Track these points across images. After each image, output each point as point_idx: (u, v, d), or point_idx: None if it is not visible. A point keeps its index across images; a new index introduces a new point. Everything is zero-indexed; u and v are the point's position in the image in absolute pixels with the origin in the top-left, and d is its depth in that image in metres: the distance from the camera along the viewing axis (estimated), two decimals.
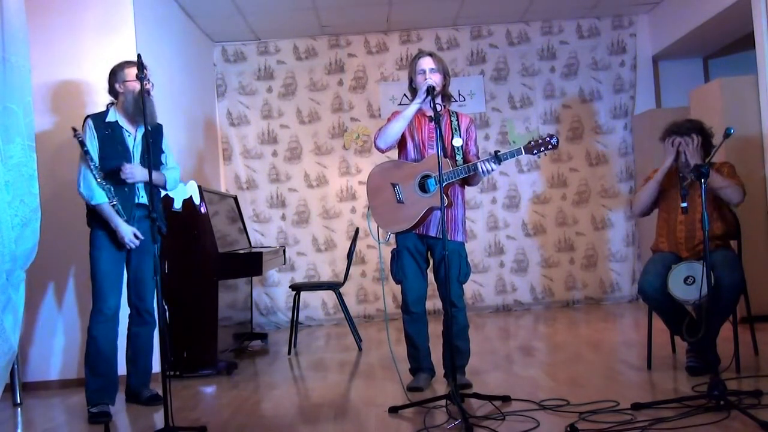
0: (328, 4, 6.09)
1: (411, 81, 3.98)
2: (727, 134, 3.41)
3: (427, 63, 3.89)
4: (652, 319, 4.10)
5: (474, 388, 3.80)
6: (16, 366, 4.24)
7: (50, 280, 4.64)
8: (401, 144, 3.97)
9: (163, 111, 5.24)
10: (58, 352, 4.66)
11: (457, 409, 3.17)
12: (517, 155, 3.76)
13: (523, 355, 4.83)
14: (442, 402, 3.44)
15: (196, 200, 4.75)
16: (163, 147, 4.06)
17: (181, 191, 4.73)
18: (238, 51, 6.98)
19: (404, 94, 6.85)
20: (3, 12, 3.37)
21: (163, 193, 4.62)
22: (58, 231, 4.42)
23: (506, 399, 3.51)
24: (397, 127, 3.86)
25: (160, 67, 5.21)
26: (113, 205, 3.74)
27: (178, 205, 4.70)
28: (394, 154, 4.14)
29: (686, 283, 3.77)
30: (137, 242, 3.80)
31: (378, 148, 3.94)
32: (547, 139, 3.74)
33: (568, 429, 2.95)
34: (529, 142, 3.76)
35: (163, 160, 4.05)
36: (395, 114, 3.92)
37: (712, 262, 3.48)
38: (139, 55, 3.49)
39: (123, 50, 4.56)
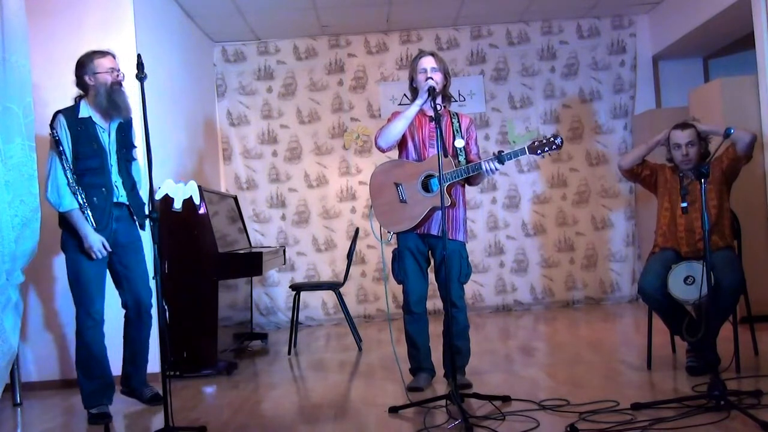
0: (328, 4, 6.09)
1: (412, 80, 3.99)
2: (727, 134, 3.41)
3: (428, 62, 3.89)
4: (652, 319, 4.10)
5: (474, 388, 3.80)
6: (16, 366, 4.23)
7: (49, 280, 4.64)
8: (402, 144, 3.98)
9: (163, 111, 5.25)
10: (58, 352, 4.66)
11: (457, 409, 3.17)
12: (521, 155, 3.75)
13: (523, 355, 4.83)
14: (442, 402, 3.44)
15: (196, 200, 4.74)
16: (134, 140, 3.95)
17: (181, 191, 4.73)
18: (238, 51, 6.98)
19: (404, 94, 6.86)
20: (3, 12, 3.37)
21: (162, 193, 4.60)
22: (57, 231, 4.41)
23: (506, 399, 3.51)
24: (399, 127, 3.86)
25: (160, 66, 5.21)
26: (83, 211, 3.61)
27: (178, 205, 4.70)
28: (394, 153, 4.14)
29: (686, 283, 3.77)
30: (105, 252, 3.67)
31: (379, 148, 3.95)
32: (552, 139, 3.73)
33: (568, 429, 2.95)
34: (533, 142, 3.75)
35: (135, 155, 3.95)
36: (396, 114, 3.92)
37: (712, 263, 3.48)
38: (139, 55, 3.49)
39: (123, 50, 4.54)
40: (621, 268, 6.93)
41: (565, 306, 6.91)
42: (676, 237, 3.97)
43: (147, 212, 3.47)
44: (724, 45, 6.61)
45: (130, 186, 3.84)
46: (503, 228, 6.96)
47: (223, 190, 6.79)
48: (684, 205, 3.40)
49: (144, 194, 4.29)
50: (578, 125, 6.97)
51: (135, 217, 3.86)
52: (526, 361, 4.66)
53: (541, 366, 4.45)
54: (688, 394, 3.38)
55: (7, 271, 3.38)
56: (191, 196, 4.73)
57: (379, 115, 6.91)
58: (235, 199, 6.15)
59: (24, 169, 3.50)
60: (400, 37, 7.00)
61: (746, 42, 5.77)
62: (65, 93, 4.65)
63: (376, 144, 3.96)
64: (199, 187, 4.82)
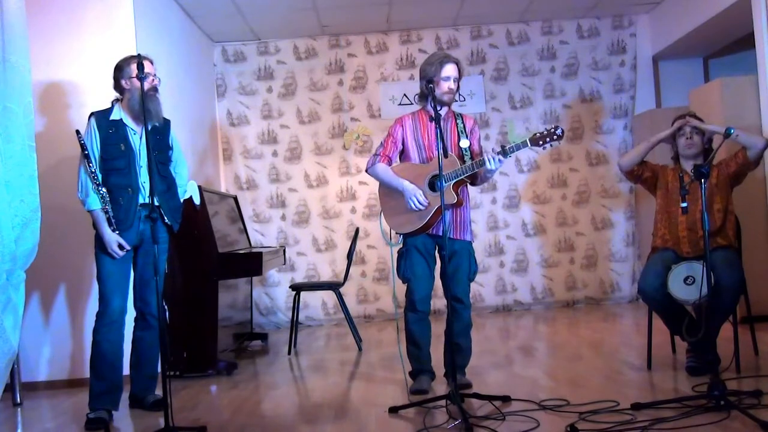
0: (328, 4, 6.09)
1: (428, 78, 3.82)
2: (727, 134, 3.42)
3: (454, 71, 3.88)
4: (652, 319, 4.10)
5: (474, 388, 3.80)
6: (16, 366, 4.23)
7: (48, 281, 4.64)
8: (402, 152, 4.04)
9: (163, 111, 5.24)
10: (59, 352, 4.66)
11: (457, 409, 3.17)
12: (524, 147, 3.75)
13: (523, 355, 4.83)
14: (442, 402, 3.44)
15: (196, 200, 4.74)
16: (171, 142, 3.99)
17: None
18: (238, 51, 6.98)
19: (404, 94, 6.88)
20: (3, 12, 3.36)
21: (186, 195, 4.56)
22: (55, 231, 4.42)
23: (506, 399, 3.51)
24: (387, 184, 3.96)
25: (160, 67, 5.19)
26: (105, 212, 3.66)
27: (197, 201, 4.72)
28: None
29: (686, 283, 3.77)
30: (121, 253, 3.70)
31: (366, 172, 4.10)
32: (553, 130, 3.74)
33: (568, 429, 2.95)
34: (535, 134, 3.77)
35: (171, 157, 3.98)
36: (394, 174, 3.93)
37: (713, 262, 3.48)
38: (139, 55, 3.49)
39: (123, 50, 4.54)
40: (621, 268, 6.93)
41: (565, 306, 6.91)
42: (678, 237, 3.96)
43: (158, 213, 3.47)
44: (724, 45, 6.61)
45: (165, 187, 3.85)
46: (503, 228, 6.96)
47: (223, 190, 6.79)
48: (684, 205, 3.38)
49: (194, 194, 4.54)
50: (578, 125, 6.97)
51: (166, 219, 3.85)
52: (526, 361, 4.66)
53: (541, 366, 4.45)
54: (688, 394, 3.38)
55: (7, 271, 3.37)
56: (191, 196, 4.73)
57: (379, 115, 6.91)
58: (235, 199, 6.15)
59: (24, 169, 3.50)
60: (400, 37, 7.00)
61: (746, 42, 5.78)
62: (65, 93, 4.68)
63: (366, 169, 4.09)
64: (199, 187, 4.82)
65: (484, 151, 3.96)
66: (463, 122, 3.97)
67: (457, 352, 3.84)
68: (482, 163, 3.74)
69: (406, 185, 3.85)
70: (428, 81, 3.77)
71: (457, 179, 3.78)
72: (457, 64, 3.91)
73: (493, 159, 3.71)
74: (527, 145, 3.75)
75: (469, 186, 4.02)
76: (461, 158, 3.86)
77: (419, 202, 3.80)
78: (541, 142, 3.75)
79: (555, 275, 6.94)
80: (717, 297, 3.62)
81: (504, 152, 3.73)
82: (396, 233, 3.98)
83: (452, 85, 3.86)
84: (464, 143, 3.90)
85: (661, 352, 4.29)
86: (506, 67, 6.98)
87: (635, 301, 6.78)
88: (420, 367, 4.00)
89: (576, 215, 6.96)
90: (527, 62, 6.98)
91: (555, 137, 3.72)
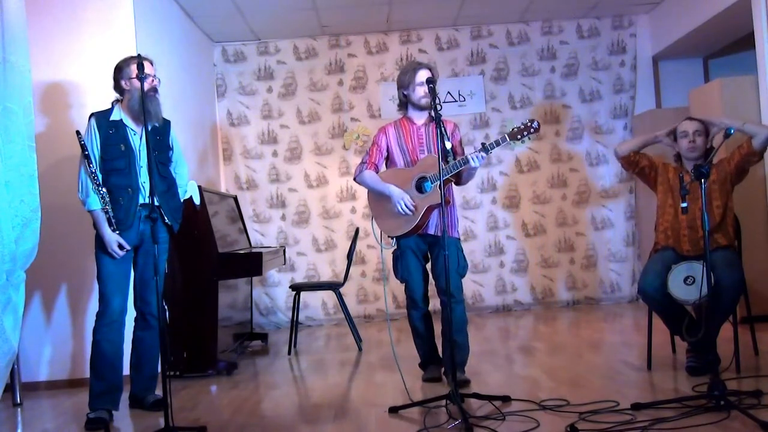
0: (328, 4, 6.09)
1: (404, 87, 4.06)
2: (727, 134, 3.41)
3: (427, 75, 3.97)
4: (652, 319, 4.10)
5: (474, 388, 3.80)
6: (16, 366, 4.23)
7: (48, 281, 4.64)
8: (387, 158, 4.13)
9: (163, 111, 5.24)
10: (59, 352, 4.66)
11: (457, 409, 3.18)
12: (503, 143, 3.85)
13: (523, 355, 4.83)
14: (442, 402, 3.44)
15: (196, 200, 4.74)
16: (171, 143, 3.99)
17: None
18: (238, 51, 6.98)
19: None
20: (3, 12, 3.37)
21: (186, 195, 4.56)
22: (55, 231, 4.42)
23: (506, 399, 3.51)
24: (375, 189, 4.04)
25: (160, 67, 5.19)
26: (105, 212, 3.66)
27: (197, 201, 4.71)
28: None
29: (686, 283, 3.77)
30: (121, 253, 3.70)
31: (354, 180, 4.20)
32: (529, 123, 3.83)
33: (568, 429, 2.95)
34: (512, 129, 3.87)
35: (172, 157, 3.97)
36: (379, 180, 4.03)
37: (713, 262, 3.48)
38: (139, 55, 3.49)
39: (123, 50, 4.54)
40: (621, 268, 6.93)
41: (565, 306, 6.91)
42: (679, 235, 3.96)
43: (158, 213, 3.47)
44: (724, 45, 6.61)
45: (165, 187, 3.85)
46: (503, 228, 6.96)
47: (223, 190, 6.79)
48: (684, 205, 3.38)
49: (195, 194, 4.50)
50: (578, 125, 6.97)
51: (166, 219, 3.85)
52: (526, 361, 4.66)
53: (541, 366, 4.45)
54: (688, 394, 3.38)
55: (7, 272, 3.37)
56: (191, 196, 4.73)
57: (379, 115, 6.91)
58: (235, 199, 6.15)
59: (24, 169, 3.50)
60: (400, 37, 7.00)
61: (746, 42, 5.78)
62: (65, 93, 4.68)
63: (354, 177, 4.18)
64: (199, 187, 4.82)
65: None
66: (443, 126, 4.03)
67: (455, 347, 3.85)
68: (466, 161, 3.82)
69: (393, 190, 3.94)
70: (428, 81, 3.82)
71: (444, 178, 3.81)
72: (431, 69, 4.04)
73: (477, 157, 3.81)
74: (506, 140, 3.84)
75: (463, 186, 4.08)
76: (445, 159, 3.91)
77: (406, 206, 3.88)
78: (519, 136, 3.84)
79: (555, 275, 6.94)
80: (717, 297, 3.62)
81: (485, 149, 3.82)
82: (388, 236, 4.04)
83: (427, 89, 3.93)
84: (447, 145, 3.95)
85: (661, 352, 4.29)
86: (506, 67, 6.98)
87: (635, 301, 6.78)
88: (427, 358, 4.12)
89: (576, 215, 6.96)
90: (527, 62, 6.98)
91: (532, 130, 3.82)
